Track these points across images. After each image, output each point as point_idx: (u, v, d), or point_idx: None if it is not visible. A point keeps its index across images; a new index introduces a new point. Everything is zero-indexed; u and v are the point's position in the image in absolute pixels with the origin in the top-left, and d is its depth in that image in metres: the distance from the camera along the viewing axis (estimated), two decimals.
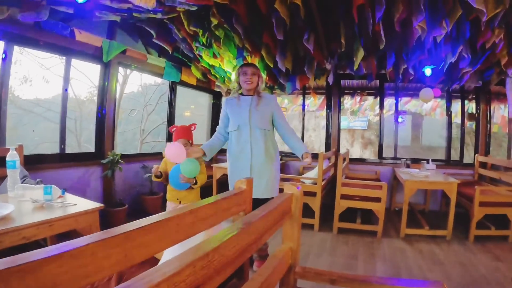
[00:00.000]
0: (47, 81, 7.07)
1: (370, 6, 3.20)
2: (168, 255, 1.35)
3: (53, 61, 6.66)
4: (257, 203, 1.69)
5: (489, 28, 3.36)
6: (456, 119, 6.40)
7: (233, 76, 2.94)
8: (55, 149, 3.92)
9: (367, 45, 3.80)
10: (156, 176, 3.02)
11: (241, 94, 2.94)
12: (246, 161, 2.85)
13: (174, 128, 3.02)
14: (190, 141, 3.02)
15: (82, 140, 7.75)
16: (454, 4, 3.13)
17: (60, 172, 3.74)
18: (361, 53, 3.90)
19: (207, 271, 0.83)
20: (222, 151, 3.19)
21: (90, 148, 4.30)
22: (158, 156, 5.14)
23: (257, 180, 2.74)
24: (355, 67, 4.38)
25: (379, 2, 3.05)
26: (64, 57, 3.93)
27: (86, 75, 7.44)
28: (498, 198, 4.01)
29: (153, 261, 1.52)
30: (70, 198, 2.49)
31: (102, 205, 2.38)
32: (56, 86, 7.26)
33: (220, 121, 3.05)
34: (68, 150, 4.05)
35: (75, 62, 4.17)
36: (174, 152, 2.49)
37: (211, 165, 5.02)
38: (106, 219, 3.94)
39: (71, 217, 2.10)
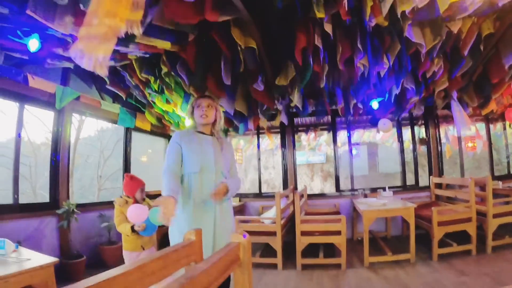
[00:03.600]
0: None
1: (312, 48, 3.35)
2: None
3: (7, 103, 6.41)
4: None
5: (429, 58, 3.61)
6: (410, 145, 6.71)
7: (188, 112, 2.57)
8: (9, 198, 3.75)
9: (313, 84, 3.97)
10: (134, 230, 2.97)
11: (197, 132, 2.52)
12: (210, 212, 2.35)
13: (130, 176, 3.27)
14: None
15: (38, 187, 7.37)
16: (392, 40, 3.37)
17: (14, 224, 3.56)
18: (299, 96, 4.05)
19: None
20: None
21: (46, 195, 4.15)
22: None
23: (220, 231, 2.38)
24: (292, 104, 4.54)
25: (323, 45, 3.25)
26: (17, 103, 3.85)
27: (41, 120, 7.24)
28: (455, 215, 4.15)
29: None
30: (25, 252, 2.44)
31: (57, 259, 2.34)
32: (10, 128, 6.93)
33: (170, 158, 2.37)
34: (23, 198, 3.90)
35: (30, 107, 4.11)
36: (136, 213, 2.73)
37: None
38: (64, 272, 3.76)
39: (26, 273, 2.07)
